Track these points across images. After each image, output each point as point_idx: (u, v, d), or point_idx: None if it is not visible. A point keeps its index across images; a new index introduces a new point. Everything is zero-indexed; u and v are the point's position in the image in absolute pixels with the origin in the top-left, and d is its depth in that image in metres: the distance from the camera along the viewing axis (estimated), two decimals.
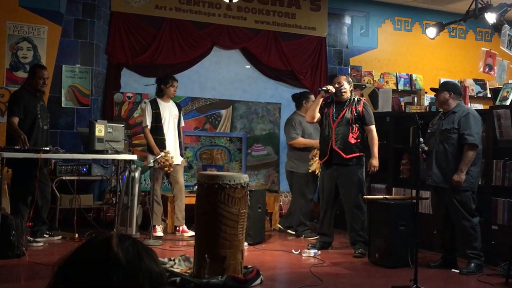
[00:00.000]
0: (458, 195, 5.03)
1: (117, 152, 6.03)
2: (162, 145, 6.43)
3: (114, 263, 1.09)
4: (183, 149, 6.82)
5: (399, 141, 6.71)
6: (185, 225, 6.57)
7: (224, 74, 7.97)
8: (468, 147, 4.99)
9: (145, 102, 6.61)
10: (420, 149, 5.20)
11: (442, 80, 9.12)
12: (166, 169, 6.27)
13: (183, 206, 6.56)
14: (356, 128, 5.74)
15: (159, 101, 6.59)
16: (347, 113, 5.77)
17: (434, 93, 5.41)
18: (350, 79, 6.05)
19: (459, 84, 5.52)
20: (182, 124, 6.81)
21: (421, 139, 4.86)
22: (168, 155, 6.29)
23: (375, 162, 5.76)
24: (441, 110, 5.34)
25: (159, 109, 6.52)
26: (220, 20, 7.82)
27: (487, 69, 6.76)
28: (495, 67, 6.67)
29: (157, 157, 6.13)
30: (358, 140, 5.74)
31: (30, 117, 5.72)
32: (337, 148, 5.73)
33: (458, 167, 5.00)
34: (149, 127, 6.47)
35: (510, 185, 5.36)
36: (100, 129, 5.88)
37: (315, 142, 6.52)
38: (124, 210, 6.09)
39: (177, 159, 6.61)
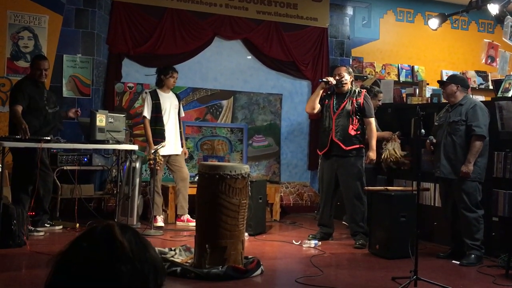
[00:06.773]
0: (465, 185, 5.07)
1: (118, 142, 6.04)
2: (162, 136, 6.42)
3: (121, 253, 1.06)
4: (183, 140, 6.81)
5: (400, 133, 6.69)
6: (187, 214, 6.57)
7: (226, 65, 7.95)
8: (476, 138, 5.04)
9: (145, 93, 6.59)
10: (428, 141, 5.31)
11: (444, 72, 9.13)
12: (157, 168, 6.15)
13: (187, 195, 6.54)
14: (356, 120, 5.73)
15: (159, 91, 6.57)
16: (348, 104, 5.75)
17: (441, 86, 5.44)
18: (350, 70, 6.02)
19: (466, 77, 5.56)
20: (182, 114, 6.79)
21: (423, 131, 4.83)
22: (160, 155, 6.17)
23: (372, 154, 5.76)
24: (448, 102, 5.37)
25: (159, 99, 6.50)
26: (221, 11, 7.79)
27: (489, 61, 6.73)
28: (497, 59, 6.64)
29: (159, 147, 6.11)
30: (358, 132, 5.74)
31: (33, 106, 5.70)
32: (337, 139, 5.72)
33: (466, 158, 5.05)
34: (148, 118, 6.45)
35: (511, 177, 5.36)
36: (101, 119, 5.88)
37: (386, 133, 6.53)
38: (125, 200, 6.10)
39: (178, 149, 6.61)
